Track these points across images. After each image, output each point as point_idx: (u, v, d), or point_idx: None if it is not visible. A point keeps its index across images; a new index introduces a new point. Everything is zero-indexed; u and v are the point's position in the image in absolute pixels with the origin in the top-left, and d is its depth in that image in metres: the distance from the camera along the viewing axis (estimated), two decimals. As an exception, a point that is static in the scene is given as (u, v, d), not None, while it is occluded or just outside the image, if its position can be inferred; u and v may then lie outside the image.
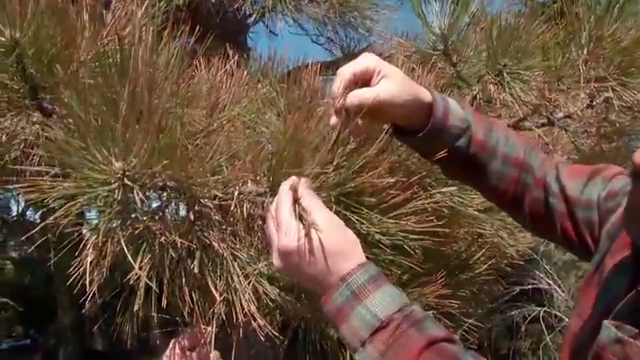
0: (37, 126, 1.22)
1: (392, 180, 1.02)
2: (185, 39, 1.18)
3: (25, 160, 1.32)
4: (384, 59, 0.98)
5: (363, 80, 0.94)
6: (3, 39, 0.96)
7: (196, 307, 0.98)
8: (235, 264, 0.95)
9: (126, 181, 0.77)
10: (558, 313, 4.96)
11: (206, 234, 0.91)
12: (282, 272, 0.83)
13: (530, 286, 4.96)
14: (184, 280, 0.91)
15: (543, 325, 5.01)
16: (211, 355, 1.08)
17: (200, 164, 0.88)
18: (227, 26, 2.21)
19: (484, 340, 4.60)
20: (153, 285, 0.84)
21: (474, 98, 1.84)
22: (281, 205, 0.83)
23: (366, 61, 0.94)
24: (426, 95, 0.97)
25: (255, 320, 0.99)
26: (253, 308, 0.98)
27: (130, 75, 0.86)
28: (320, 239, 0.79)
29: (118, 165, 0.77)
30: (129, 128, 0.76)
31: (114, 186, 0.76)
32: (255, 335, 1.05)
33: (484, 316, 4.75)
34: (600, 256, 0.92)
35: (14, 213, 3.71)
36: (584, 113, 1.97)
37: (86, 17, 1.12)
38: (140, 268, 0.85)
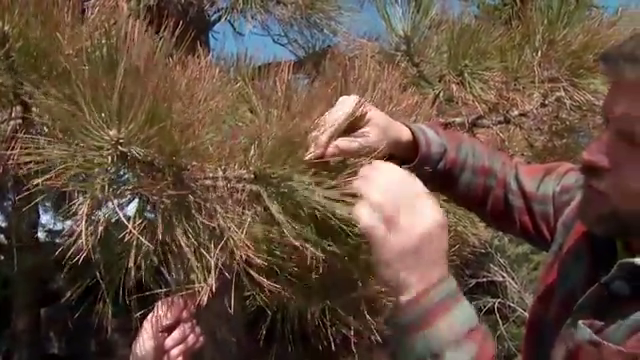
0: (17, 121, 1.24)
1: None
2: (163, 34, 1.22)
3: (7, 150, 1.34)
4: (349, 59, 1.06)
5: (349, 125, 0.98)
6: (-6, 31, 0.99)
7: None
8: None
9: (120, 148, 0.81)
10: (512, 304, 5.15)
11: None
12: (390, 260, 0.79)
13: (485, 279, 5.13)
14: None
15: (498, 316, 5.19)
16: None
17: (187, 140, 0.94)
18: (192, 25, 2.26)
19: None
20: (148, 243, 0.88)
21: (436, 97, 1.94)
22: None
23: (352, 107, 0.98)
24: (405, 134, 1.05)
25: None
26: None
27: (120, 65, 0.92)
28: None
29: (112, 132, 0.82)
30: (123, 100, 0.81)
31: (109, 152, 0.81)
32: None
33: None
34: (557, 245, 1.02)
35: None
36: (538, 112, 2.08)
37: (68, 15, 1.16)
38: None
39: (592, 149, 0.82)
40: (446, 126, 2.09)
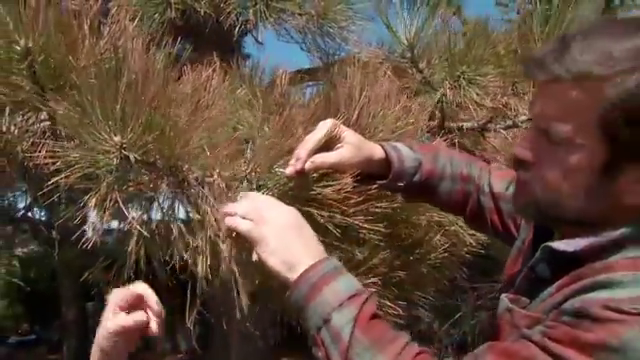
0: (45, 123, 1.42)
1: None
2: (171, 47, 1.38)
3: (33, 152, 1.52)
4: (362, 66, 1.20)
5: (326, 144, 1.14)
6: (18, 48, 1.16)
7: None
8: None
9: (124, 152, 0.98)
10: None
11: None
12: (272, 244, 0.95)
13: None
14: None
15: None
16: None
17: (185, 144, 1.09)
18: (218, 35, 2.43)
19: (469, 335, 4.76)
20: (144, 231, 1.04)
21: (439, 101, 2.04)
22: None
23: (328, 128, 1.13)
24: (378, 152, 1.18)
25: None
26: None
27: (123, 75, 1.09)
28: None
29: (117, 139, 0.98)
30: (125, 110, 0.98)
31: (114, 155, 0.97)
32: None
33: (470, 312, 4.93)
34: (521, 241, 1.10)
35: (21, 210, 3.89)
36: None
37: (86, 28, 1.32)
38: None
39: (520, 144, 0.91)
40: (450, 131, 2.19)
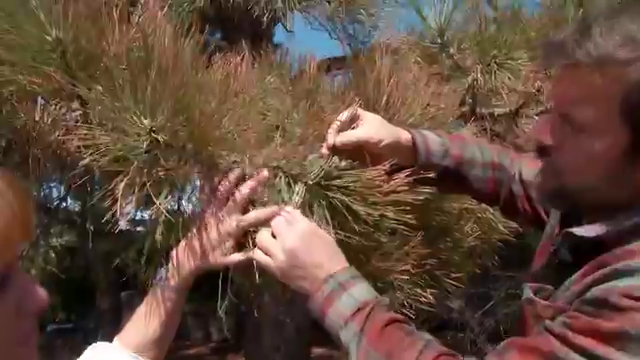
0: (77, 112, 1.44)
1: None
2: (200, 35, 1.38)
3: (66, 142, 1.55)
4: (391, 52, 1.20)
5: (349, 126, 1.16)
6: (50, 39, 1.18)
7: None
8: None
9: (153, 135, 0.98)
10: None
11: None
12: (285, 269, 1.00)
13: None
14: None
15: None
16: None
17: (214, 129, 1.10)
18: (248, 24, 2.43)
19: (501, 325, 4.71)
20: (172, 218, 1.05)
21: (470, 87, 2.00)
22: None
23: (350, 112, 1.16)
24: (403, 133, 1.18)
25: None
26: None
27: (152, 63, 1.09)
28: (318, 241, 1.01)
29: (147, 122, 0.98)
30: (155, 95, 0.98)
31: (144, 138, 0.98)
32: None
33: (502, 300, 4.87)
34: (550, 227, 1.08)
35: (55, 200, 3.97)
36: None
37: (116, 17, 1.33)
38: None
39: (540, 128, 0.91)
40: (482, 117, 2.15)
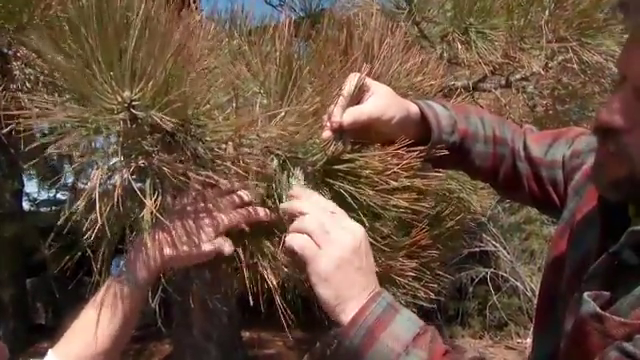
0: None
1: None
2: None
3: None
4: (350, 17, 1.00)
5: (355, 99, 0.98)
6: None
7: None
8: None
9: (132, 110, 0.74)
10: (504, 274, 5.18)
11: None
12: (328, 273, 0.81)
13: (477, 249, 5.14)
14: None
15: (490, 286, 5.24)
16: None
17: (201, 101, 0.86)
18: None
19: (433, 302, 4.75)
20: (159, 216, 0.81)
21: (439, 57, 1.86)
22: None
23: (355, 82, 0.98)
24: (412, 107, 1.04)
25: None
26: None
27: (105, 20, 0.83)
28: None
29: (126, 94, 0.74)
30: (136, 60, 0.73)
31: (121, 116, 0.73)
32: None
33: (433, 279, 4.91)
34: (569, 212, 0.99)
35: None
36: (540, 75, 2.02)
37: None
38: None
39: (607, 109, 0.77)
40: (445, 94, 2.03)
